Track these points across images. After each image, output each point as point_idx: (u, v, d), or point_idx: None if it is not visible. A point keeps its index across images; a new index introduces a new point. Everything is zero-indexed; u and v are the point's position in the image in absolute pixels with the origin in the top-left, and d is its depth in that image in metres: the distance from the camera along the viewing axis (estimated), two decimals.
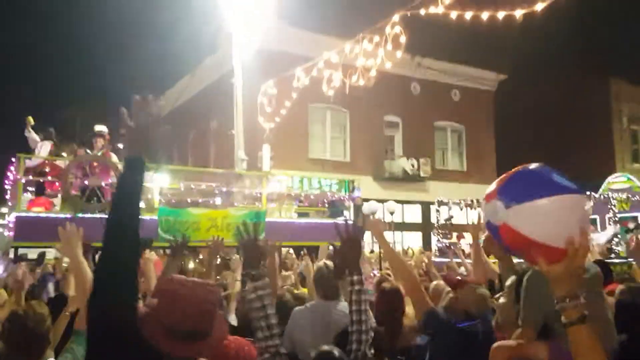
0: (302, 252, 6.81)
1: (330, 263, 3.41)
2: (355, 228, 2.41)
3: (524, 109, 23.13)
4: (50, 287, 5.81)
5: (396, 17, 7.79)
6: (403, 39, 8.03)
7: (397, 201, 16.44)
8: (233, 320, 4.10)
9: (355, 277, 2.32)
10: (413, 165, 19.03)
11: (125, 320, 1.59)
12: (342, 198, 10.38)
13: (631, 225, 12.81)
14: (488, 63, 21.11)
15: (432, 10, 6.90)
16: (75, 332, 2.38)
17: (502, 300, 2.95)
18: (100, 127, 9.19)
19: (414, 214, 19.64)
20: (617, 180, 15.05)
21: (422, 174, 18.99)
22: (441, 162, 20.88)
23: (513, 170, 1.52)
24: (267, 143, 13.65)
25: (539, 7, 6.20)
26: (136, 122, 1.77)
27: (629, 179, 14.67)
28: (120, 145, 8.58)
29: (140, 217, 1.71)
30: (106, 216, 1.69)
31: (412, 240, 18.37)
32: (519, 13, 6.45)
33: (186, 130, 22.33)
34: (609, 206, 12.42)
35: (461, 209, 15.94)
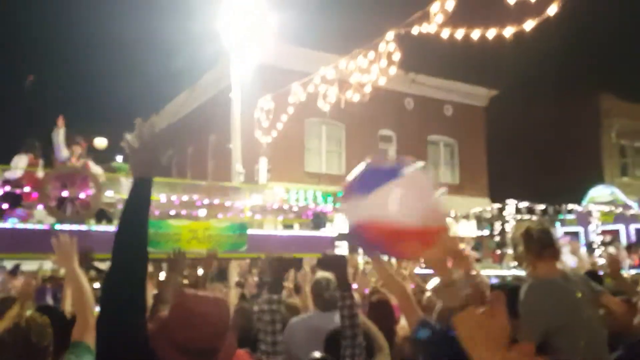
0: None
1: (328, 275, 3.42)
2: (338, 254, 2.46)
3: (515, 124, 23.29)
4: (49, 299, 5.75)
5: (390, 35, 7.87)
6: (397, 56, 8.11)
7: None
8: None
9: (345, 293, 2.33)
10: None
11: (135, 338, 1.57)
12: (325, 210, 10.22)
13: (607, 239, 12.67)
14: (480, 79, 21.34)
15: (425, 28, 6.99)
16: (73, 344, 2.31)
17: None
18: (100, 141, 9.13)
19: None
20: (600, 193, 14.67)
21: None
22: (434, 176, 20.93)
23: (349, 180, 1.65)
24: (264, 157, 13.68)
25: (528, 26, 6.28)
26: (141, 142, 1.79)
27: (612, 192, 14.35)
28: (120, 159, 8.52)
29: (147, 235, 1.70)
30: (114, 235, 1.67)
31: None
32: (509, 32, 6.54)
33: (185, 144, 22.38)
34: (591, 219, 12.38)
35: (457, 222, 15.96)
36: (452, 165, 21.67)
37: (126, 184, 7.99)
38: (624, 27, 22.33)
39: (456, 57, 15.99)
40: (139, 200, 1.73)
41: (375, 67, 8.42)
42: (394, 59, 8.19)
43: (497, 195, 13.85)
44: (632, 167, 24.82)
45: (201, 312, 1.65)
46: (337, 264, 2.45)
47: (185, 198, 8.61)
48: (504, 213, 11.26)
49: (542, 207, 12.12)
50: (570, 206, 12.26)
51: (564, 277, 2.73)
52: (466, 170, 21.42)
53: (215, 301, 1.73)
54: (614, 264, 3.63)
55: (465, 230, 19.55)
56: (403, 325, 3.41)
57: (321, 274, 3.57)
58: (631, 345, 2.64)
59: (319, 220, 9.86)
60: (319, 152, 18.78)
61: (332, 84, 9.66)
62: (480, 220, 14.40)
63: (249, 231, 8.21)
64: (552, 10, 5.94)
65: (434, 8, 6.85)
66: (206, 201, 8.82)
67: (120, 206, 7.72)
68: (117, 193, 8.20)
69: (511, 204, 11.09)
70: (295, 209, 10.21)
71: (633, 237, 12.69)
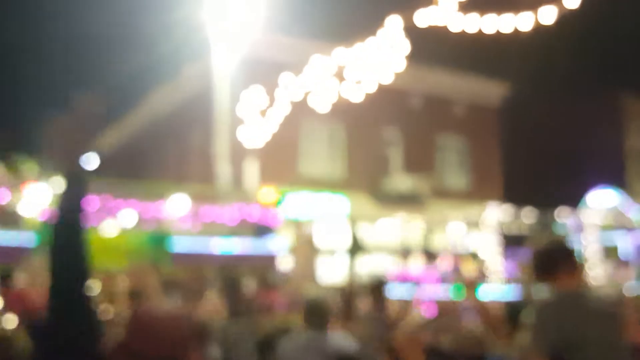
0: None
1: (320, 293, 3.70)
2: None
3: (532, 125, 23.26)
4: None
5: (395, 26, 7.75)
6: (403, 49, 8.01)
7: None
8: (215, 350, 4.21)
9: None
10: (413, 183, 19.01)
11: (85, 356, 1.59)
12: (270, 219, 9.82)
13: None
14: (493, 77, 21.27)
15: (435, 18, 6.87)
16: None
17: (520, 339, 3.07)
18: None
19: (413, 235, 19.56)
20: (599, 198, 14.13)
21: (422, 192, 18.95)
22: (443, 180, 20.85)
23: None
24: (253, 158, 13.55)
25: (546, 19, 6.17)
26: (76, 122, 1.64)
27: (613, 196, 13.82)
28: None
29: (83, 246, 1.60)
30: (49, 241, 1.60)
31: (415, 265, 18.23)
32: (525, 26, 6.42)
33: (166, 144, 22.23)
34: (585, 227, 12.20)
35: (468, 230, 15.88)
36: (462, 169, 21.58)
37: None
38: None
39: (467, 52, 15.90)
40: (70, 200, 1.60)
41: (379, 62, 8.30)
42: (399, 52, 8.07)
43: (512, 201, 13.75)
44: None
45: (156, 323, 1.75)
46: None
47: (105, 201, 8.07)
48: (481, 220, 11.04)
49: (530, 212, 11.96)
50: (564, 213, 12.10)
51: (580, 293, 2.86)
52: (478, 174, 21.33)
53: (175, 315, 1.87)
54: None
55: (478, 240, 19.50)
56: None
57: (313, 292, 4.02)
58: None
59: (262, 231, 9.54)
60: (316, 154, 18.66)
61: (330, 80, 9.54)
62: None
63: (175, 244, 7.88)
64: (572, 2, 5.82)
65: None
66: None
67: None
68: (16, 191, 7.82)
69: (492, 210, 10.89)
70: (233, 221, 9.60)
71: (636, 246, 12.62)
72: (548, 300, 2.88)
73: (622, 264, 11.17)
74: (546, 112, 23.28)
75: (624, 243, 12.82)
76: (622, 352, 2.74)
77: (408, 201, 18.67)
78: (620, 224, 12.64)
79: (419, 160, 19.98)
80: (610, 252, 12.30)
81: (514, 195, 19.13)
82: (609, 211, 12.92)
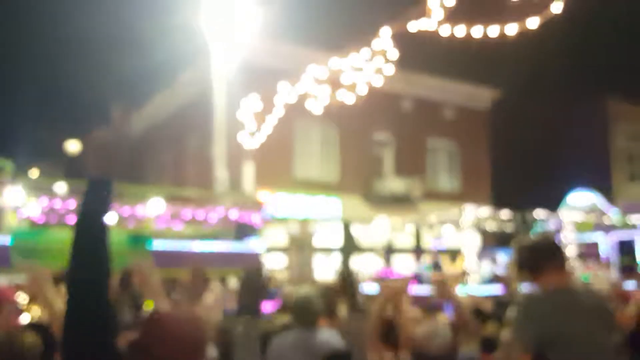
0: None
1: (311, 291, 3.60)
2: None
3: (520, 128, 23.48)
4: None
5: (386, 32, 7.90)
6: (394, 54, 8.14)
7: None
8: (212, 350, 4.04)
9: None
10: (404, 185, 19.14)
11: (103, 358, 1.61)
12: (250, 220, 9.41)
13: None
14: (482, 81, 21.48)
15: (424, 25, 7.02)
16: None
17: (505, 334, 3.07)
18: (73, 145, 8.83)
19: (404, 236, 19.69)
20: (578, 199, 13.88)
21: (413, 195, 19.10)
22: (434, 183, 21.02)
23: None
24: (249, 162, 13.65)
25: (532, 24, 6.35)
26: (114, 138, 1.81)
27: (591, 198, 13.57)
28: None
29: (106, 246, 1.70)
30: (71, 247, 1.67)
31: (402, 264, 18.37)
32: (512, 31, 6.59)
33: (164, 148, 22.28)
34: (563, 228, 12.12)
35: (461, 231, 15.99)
36: (453, 172, 21.75)
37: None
38: (634, 28, 22.63)
39: (457, 57, 16.10)
40: (96, 204, 1.71)
41: (370, 67, 8.44)
42: (390, 58, 8.21)
43: (501, 203, 13.89)
44: None
45: (174, 328, 1.70)
46: None
47: (73, 202, 7.71)
48: (461, 220, 11.03)
49: (507, 213, 11.91)
50: (543, 213, 12.08)
51: (567, 290, 2.76)
52: (468, 176, 21.50)
53: (191, 319, 1.81)
54: None
55: (468, 241, 19.64)
56: None
57: (302, 290, 3.75)
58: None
59: (243, 231, 9.26)
60: (310, 156, 18.76)
61: (323, 84, 9.67)
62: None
63: (155, 245, 7.57)
64: (557, 8, 6.00)
65: (433, 3, 6.90)
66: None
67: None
68: None
69: (470, 210, 10.87)
70: (212, 219, 9.19)
71: (613, 248, 12.54)
72: (533, 296, 2.80)
73: (601, 263, 11.25)
74: (533, 116, 23.52)
75: (603, 243, 12.80)
76: (609, 350, 2.65)
77: (400, 203, 18.82)
78: (598, 224, 12.48)
79: (411, 162, 20.13)
80: (589, 252, 12.26)
81: (502, 196, 19.34)
82: (588, 211, 12.80)
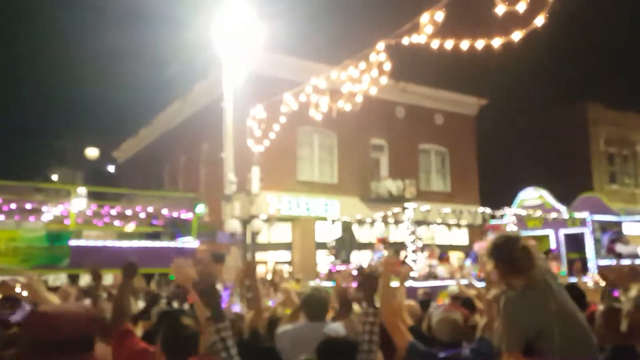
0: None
1: (320, 286, 3.52)
2: (372, 268, 2.59)
3: (505, 132, 23.53)
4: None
5: (381, 45, 7.93)
6: (388, 66, 8.16)
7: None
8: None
9: (370, 310, 2.48)
10: (399, 187, 19.16)
11: None
12: (183, 217, 8.76)
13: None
14: (469, 89, 21.53)
15: (415, 39, 7.05)
16: None
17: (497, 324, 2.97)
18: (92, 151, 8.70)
19: (400, 234, 19.69)
20: (528, 196, 13.41)
21: (407, 195, 19.10)
22: (426, 184, 21.04)
23: None
24: (256, 165, 13.69)
25: (516, 36, 6.37)
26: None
27: (540, 195, 13.13)
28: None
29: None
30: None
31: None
32: (497, 42, 6.62)
33: (177, 153, 22.33)
34: (519, 221, 11.88)
35: (449, 229, 16.00)
36: (443, 174, 21.78)
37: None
38: (610, 37, 22.66)
39: (446, 67, 16.16)
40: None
41: (366, 77, 8.47)
42: (384, 69, 8.23)
43: (489, 203, 13.88)
44: (621, 175, 25.08)
45: (54, 311, 1.72)
46: (368, 283, 2.59)
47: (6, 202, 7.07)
48: (403, 217, 10.79)
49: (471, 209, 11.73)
50: (501, 211, 11.95)
51: (544, 286, 2.70)
52: (457, 178, 21.54)
53: (75, 306, 1.88)
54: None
55: (457, 238, 19.63)
56: None
57: (312, 285, 3.68)
58: (615, 349, 2.68)
59: (174, 228, 8.68)
60: (311, 160, 18.80)
61: (323, 94, 9.70)
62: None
63: (72, 242, 6.97)
64: (540, 21, 6.03)
65: (424, 19, 6.93)
66: (13, 205, 7.37)
67: None
68: None
69: (410, 206, 10.68)
70: (142, 214, 8.45)
71: (562, 243, 12.26)
72: (516, 295, 2.68)
73: (553, 258, 11.08)
74: (518, 121, 23.56)
75: (553, 239, 12.45)
76: (588, 336, 2.66)
77: (394, 203, 18.82)
78: (547, 220, 12.23)
79: (404, 165, 20.15)
80: (541, 248, 12.07)
81: (488, 196, 19.35)
82: (539, 208, 12.56)
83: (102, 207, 8.61)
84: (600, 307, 2.97)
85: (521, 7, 5.92)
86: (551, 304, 2.61)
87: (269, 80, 15.46)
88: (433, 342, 3.11)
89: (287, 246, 17.85)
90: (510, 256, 2.73)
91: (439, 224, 14.84)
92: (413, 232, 10.15)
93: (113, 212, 8.63)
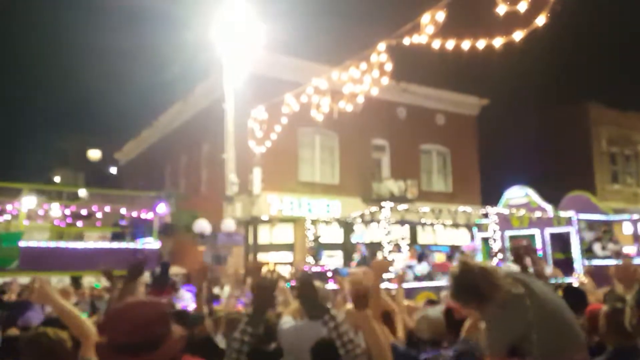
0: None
1: (318, 284, 3.49)
2: (304, 273, 2.53)
3: (507, 132, 23.48)
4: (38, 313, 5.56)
5: (382, 46, 7.92)
6: (389, 66, 8.15)
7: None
8: (221, 342, 3.97)
9: (325, 318, 2.33)
10: (400, 187, 19.12)
11: None
12: (144, 217, 8.44)
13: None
14: (471, 89, 21.50)
15: (416, 39, 7.04)
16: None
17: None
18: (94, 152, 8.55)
19: (402, 234, 19.65)
20: (514, 195, 13.15)
21: (409, 196, 19.07)
22: (427, 184, 21.01)
23: None
24: (257, 166, 13.69)
25: (517, 36, 6.35)
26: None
27: (526, 193, 12.87)
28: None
29: None
30: None
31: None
32: (498, 42, 6.60)
33: (178, 154, 22.33)
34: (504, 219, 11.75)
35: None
36: (444, 174, 21.75)
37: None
38: (612, 36, 22.62)
39: (447, 67, 16.10)
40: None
41: (368, 78, 8.46)
42: (385, 69, 8.22)
43: (491, 203, 13.84)
44: (623, 175, 25.03)
45: (125, 309, 1.71)
46: (306, 289, 2.46)
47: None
48: (380, 217, 10.73)
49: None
50: (485, 210, 11.85)
51: (523, 293, 2.68)
52: (459, 178, 21.50)
53: (146, 301, 1.81)
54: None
55: (459, 238, 19.60)
56: (399, 336, 3.43)
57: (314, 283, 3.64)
58: (618, 350, 2.67)
59: (136, 229, 8.46)
60: (313, 161, 18.78)
61: (324, 94, 9.69)
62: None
63: (22, 243, 6.63)
64: (541, 21, 6.00)
65: (425, 19, 6.91)
66: None
67: None
68: None
69: (387, 206, 10.63)
70: (99, 214, 8.05)
71: (548, 243, 12.02)
72: (497, 309, 2.65)
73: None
74: (520, 121, 23.51)
75: (538, 237, 12.16)
76: (573, 332, 2.70)
77: (396, 204, 18.77)
78: (534, 219, 12.02)
79: (406, 166, 20.12)
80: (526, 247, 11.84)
81: (490, 196, 19.30)
82: (524, 207, 12.38)
83: (67, 207, 8.37)
84: (604, 308, 2.95)
85: (522, 7, 5.90)
86: (528, 314, 2.61)
87: (270, 81, 15.45)
88: (416, 341, 3.11)
89: (289, 247, 17.83)
90: (475, 287, 2.65)
91: (430, 224, 14.78)
92: (389, 232, 10.14)
93: (67, 211, 8.33)
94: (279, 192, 16.87)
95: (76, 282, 7.74)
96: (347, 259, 11.84)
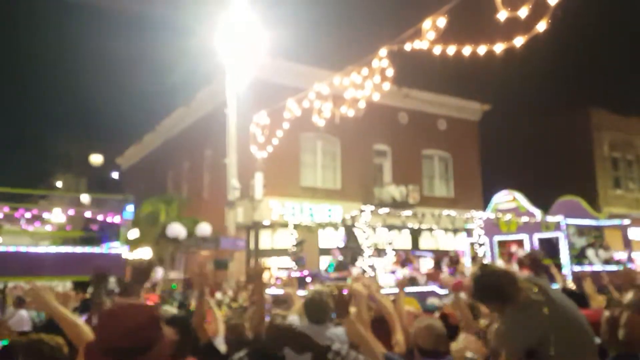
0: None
1: (323, 289, 3.50)
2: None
3: (508, 138, 23.47)
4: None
5: (383, 52, 7.95)
6: (390, 72, 8.18)
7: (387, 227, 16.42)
8: (221, 344, 3.93)
9: (329, 356, 2.37)
10: (402, 193, 19.11)
11: None
12: (110, 221, 8.16)
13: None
14: (472, 94, 21.53)
15: (418, 45, 7.07)
16: None
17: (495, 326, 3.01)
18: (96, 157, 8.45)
19: (404, 240, 19.62)
20: (502, 200, 12.98)
21: (410, 201, 19.06)
22: (429, 189, 21.00)
23: None
24: (259, 172, 13.71)
25: (518, 42, 6.37)
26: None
27: (514, 198, 12.71)
28: None
29: None
30: None
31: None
32: (500, 48, 6.62)
33: (181, 159, 22.37)
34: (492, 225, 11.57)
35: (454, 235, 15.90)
36: (446, 179, 21.74)
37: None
38: (613, 41, 22.63)
39: (449, 73, 16.15)
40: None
41: (369, 83, 8.48)
42: (387, 75, 8.26)
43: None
44: (625, 180, 24.97)
45: (116, 313, 1.71)
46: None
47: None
48: (358, 221, 10.64)
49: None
50: (473, 214, 11.74)
51: (540, 299, 2.72)
52: (461, 183, 21.49)
53: (136, 305, 1.84)
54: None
55: (460, 243, 19.55)
56: (398, 341, 3.42)
57: (316, 287, 3.65)
58: (617, 357, 2.65)
59: (104, 233, 8.16)
60: (315, 166, 18.80)
61: (326, 100, 9.72)
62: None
63: None
64: (542, 26, 6.02)
65: (426, 25, 6.94)
66: None
67: None
68: None
69: (367, 209, 10.54)
70: (62, 218, 8.11)
71: (537, 248, 11.73)
72: (514, 312, 2.71)
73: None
74: (520, 126, 23.49)
75: (527, 242, 11.98)
76: (588, 339, 2.71)
77: (398, 209, 18.76)
78: (520, 224, 11.84)
79: (407, 171, 20.12)
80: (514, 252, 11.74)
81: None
82: (513, 212, 12.22)
83: (16, 209, 7.99)
84: (606, 313, 2.94)
85: (523, 13, 5.92)
86: (544, 320, 2.63)
87: (272, 87, 15.50)
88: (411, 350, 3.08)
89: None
90: (498, 288, 2.71)
91: (426, 229, 14.77)
92: (368, 237, 10.10)
93: (28, 215, 8.07)
94: (280, 197, 16.89)
95: (79, 286, 7.68)
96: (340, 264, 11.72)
